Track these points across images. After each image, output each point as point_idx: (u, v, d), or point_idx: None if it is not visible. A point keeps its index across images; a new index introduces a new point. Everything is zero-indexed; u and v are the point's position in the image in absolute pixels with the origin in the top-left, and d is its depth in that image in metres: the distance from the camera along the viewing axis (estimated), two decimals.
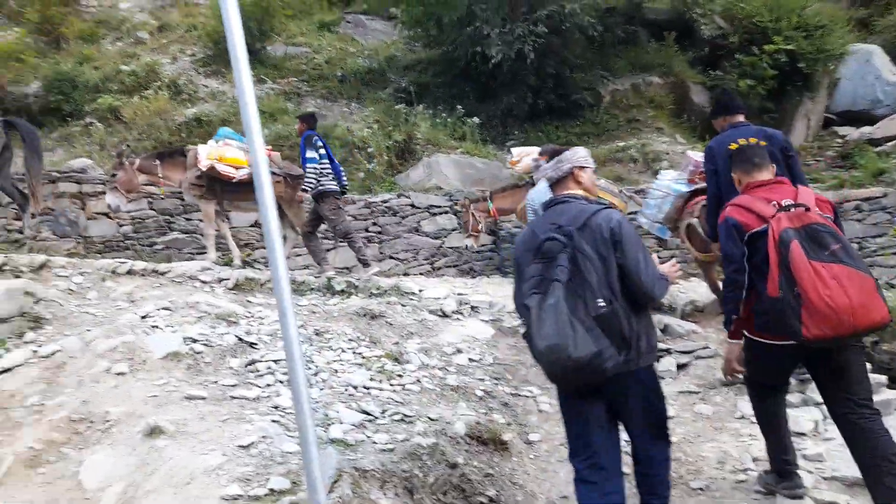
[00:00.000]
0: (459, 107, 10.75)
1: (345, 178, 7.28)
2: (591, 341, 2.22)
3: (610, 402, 2.50)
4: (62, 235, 8.30)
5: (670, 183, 5.49)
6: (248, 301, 5.71)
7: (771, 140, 3.87)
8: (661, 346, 4.33)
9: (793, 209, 2.61)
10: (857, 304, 2.39)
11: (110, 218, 8.40)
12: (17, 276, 5.28)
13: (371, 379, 4.07)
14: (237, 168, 6.69)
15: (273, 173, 6.92)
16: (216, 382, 3.75)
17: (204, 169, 6.64)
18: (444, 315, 5.72)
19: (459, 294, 6.24)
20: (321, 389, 3.85)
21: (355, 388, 3.91)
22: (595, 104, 11.73)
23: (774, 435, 2.99)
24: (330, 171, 6.85)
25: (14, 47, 11.66)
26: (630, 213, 7.44)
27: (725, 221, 2.82)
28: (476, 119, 10.63)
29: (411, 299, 6.02)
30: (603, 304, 2.28)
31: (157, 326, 4.43)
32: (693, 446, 3.68)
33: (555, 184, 2.70)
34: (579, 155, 2.70)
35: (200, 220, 8.73)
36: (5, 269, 5.43)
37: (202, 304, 5.08)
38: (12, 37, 13.96)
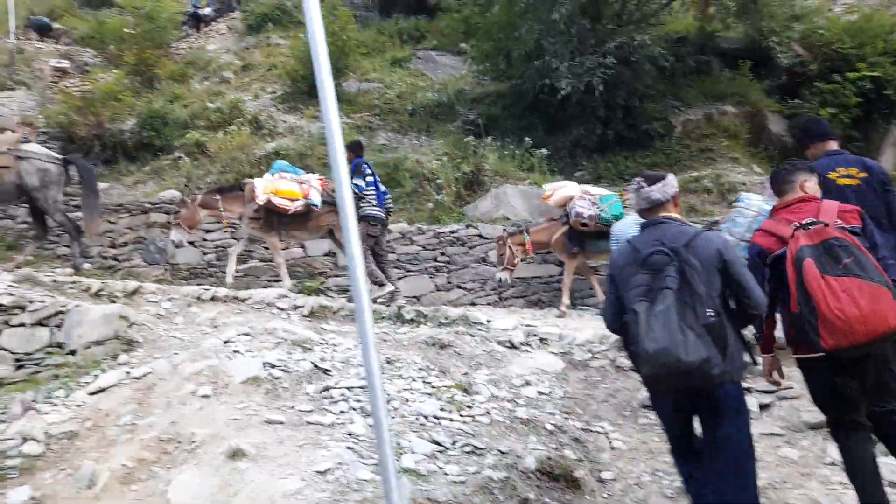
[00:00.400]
0: (528, 138, 10.80)
1: (390, 203, 7.62)
2: (701, 347, 2.38)
3: (697, 410, 2.70)
4: (152, 263, 8.85)
5: (762, 203, 5.35)
6: (322, 328, 5.89)
7: (870, 171, 3.75)
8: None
9: (811, 227, 2.76)
10: (867, 313, 2.52)
11: (195, 246, 8.90)
12: (113, 301, 5.66)
13: (441, 409, 4.10)
14: (292, 200, 7.05)
15: (327, 202, 7.25)
16: (293, 407, 3.87)
17: (261, 202, 6.99)
18: (513, 346, 5.71)
19: (528, 325, 6.22)
20: (393, 418, 3.91)
21: (426, 417, 3.95)
22: (666, 134, 11.53)
23: (859, 482, 2.85)
24: (374, 196, 7.11)
25: (113, 88, 12.60)
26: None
27: (751, 247, 3.04)
28: (544, 150, 10.65)
29: (479, 329, 6.04)
30: (712, 313, 2.46)
31: (238, 351, 4.63)
32: (779, 492, 3.50)
33: (656, 206, 2.84)
34: (676, 181, 2.94)
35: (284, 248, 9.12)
36: (102, 294, 5.84)
37: (279, 331, 5.27)
38: (112, 78, 15.15)
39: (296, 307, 6.28)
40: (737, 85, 12.25)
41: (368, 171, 7.16)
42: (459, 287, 8.64)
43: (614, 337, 5.59)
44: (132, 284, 6.04)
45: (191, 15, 18.99)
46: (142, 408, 3.79)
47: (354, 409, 3.93)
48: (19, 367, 4.62)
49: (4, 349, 4.66)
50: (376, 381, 1.91)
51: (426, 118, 12.91)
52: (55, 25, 21.50)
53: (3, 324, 4.71)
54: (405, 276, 8.67)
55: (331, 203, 7.15)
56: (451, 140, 11.64)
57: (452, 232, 8.84)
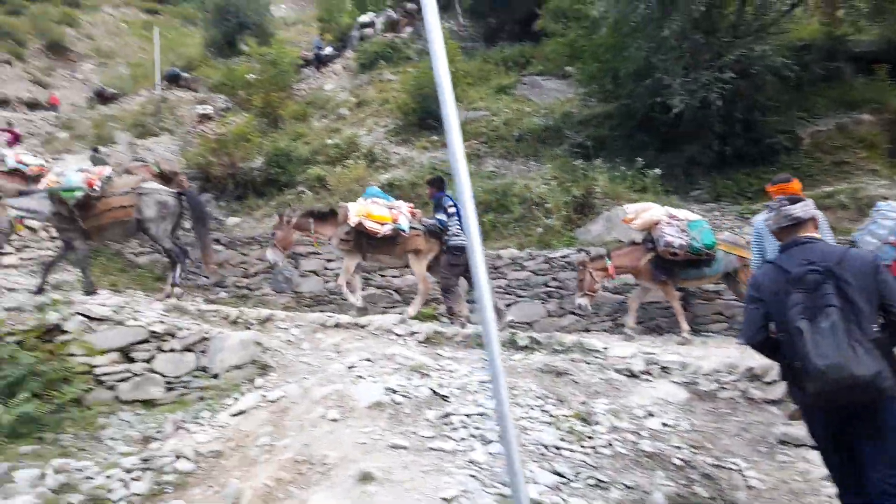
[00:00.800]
0: (639, 158, 10.53)
1: None
2: (872, 361, 2.43)
3: (857, 428, 2.63)
4: (279, 291, 9.48)
5: None
6: (438, 354, 6.00)
7: None
8: None
9: None
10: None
11: (318, 275, 9.43)
12: (248, 328, 6.13)
13: (561, 439, 4.05)
14: (382, 224, 7.28)
15: (414, 228, 7.43)
16: (415, 433, 3.98)
17: (353, 225, 7.27)
18: (632, 375, 5.53)
19: (647, 353, 5.99)
20: None
21: (546, 447, 3.91)
22: (793, 148, 10.78)
23: None
24: (459, 228, 7.17)
25: (243, 130, 13.75)
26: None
27: None
28: (657, 170, 10.32)
29: (596, 357, 5.91)
30: (876, 328, 2.54)
31: (361, 376, 4.84)
32: None
33: (795, 225, 2.86)
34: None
35: (394, 277, 9.46)
36: (239, 321, 6.33)
37: (398, 357, 5.44)
38: (242, 121, 16.54)
39: (412, 333, 6.46)
40: (873, 91, 11.29)
41: (450, 203, 7.35)
42: (572, 313, 8.49)
43: (744, 366, 5.30)
44: (265, 312, 6.50)
45: (315, 56, 20.37)
46: (277, 430, 4.05)
47: (474, 437, 3.96)
48: (170, 389, 5.09)
49: (157, 373, 5.16)
50: (506, 411, 1.94)
51: (533, 143, 12.95)
52: (186, 75, 23.95)
53: (156, 349, 5.22)
54: (516, 302, 8.68)
55: (418, 229, 7.47)
56: (559, 164, 11.59)
57: (563, 256, 8.74)
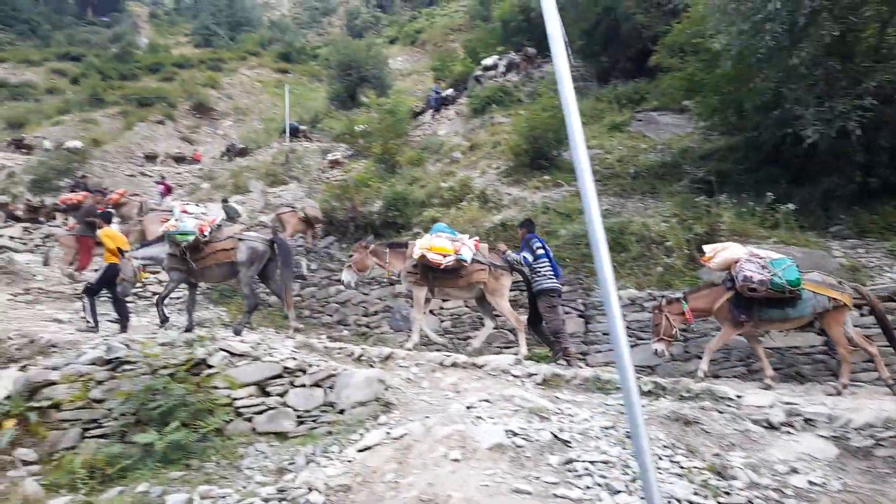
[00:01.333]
0: (769, 193, 9.91)
1: (560, 275, 7.98)
2: None
3: None
4: (397, 329, 9.75)
5: None
6: (556, 397, 5.89)
7: None
8: None
9: None
10: None
11: (433, 314, 9.62)
12: (371, 366, 6.35)
13: (695, 493, 3.81)
14: (444, 255, 7.46)
15: (477, 261, 7.60)
16: (538, 478, 3.91)
17: (416, 257, 7.56)
18: (771, 427, 5.11)
19: (787, 403, 5.53)
20: (641, 498, 3.73)
21: (678, 501, 3.69)
22: None
23: None
24: (549, 269, 7.44)
25: (364, 176, 14.54)
26: None
27: None
28: (790, 205, 9.65)
29: (728, 405, 5.53)
30: None
31: (480, 417, 4.84)
32: None
33: None
34: None
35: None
36: (362, 359, 6.59)
37: (516, 398, 5.40)
38: (362, 167, 17.49)
39: (529, 375, 6.39)
40: None
41: (538, 243, 7.52)
42: (699, 357, 8.03)
43: None
44: (385, 350, 6.72)
45: (434, 99, 21.30)
46: (402, 467, 4.13)
47: (600, 486, 3.83)
48: (301, 423, 5.37)
49: (290, 406, 5.46)
50: (648, 462, 1.87)
51: (650, 180, 12.60)
52: (303, 127, 25.94)
53: (289, 384, 5.55)
54: (637, 345, 8.35)
55: (483, 263, 7.68)
56: (679, 200, 11.17)
57: None
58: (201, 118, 37.60)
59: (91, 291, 8.07)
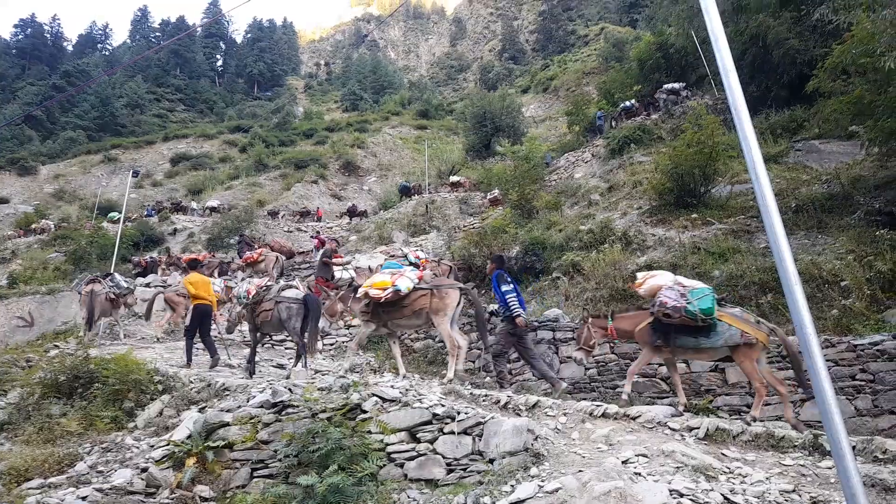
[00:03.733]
0: None
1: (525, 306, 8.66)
2: None
3: None
4: (539, 377, 9.52)
5: None
6: (723, 454, 5.38)
7: None
8: None
9: None
10: None
11: (577, 363, 9.29)
12: (518, 414, 6.22)
13: None
14: (383, 290, 7.85)
15: (419, 288, 7.90)
16: None
17: (360, 295, 8.32)
18: None
19: None
20: None
21: None
22: None
23: None
24: (514, 301, 8.10)
25: (502, 222, 14.69)
26: None
27: None
28: None
29: None
30: None
31: (639, 474, 4.53)
32: None
33: None
34: None
35: (660, 365, 8.90)
36: (508, 406, 6.48)
37: (677, 454, 5.00)
38: (499, 214, 17.70)
39: (690, 429, 5.91)
40: None
41: (509, 279, 8.31)
42: (892, 412, 6.99)
43: None
44: (532, 399, 6.56)
45: (602, 119, 21.23)
46: None
47: None
48: (450, 471, 5.34)
49: (439, 454, 5.47)
50: None
51: (816, 214, 11.46)
52: (412, 186, 27.21)
53: (438, 431, 5.57)
54: (813, 397, 7.44)
55: (423, 289, 7.91)
56: (853, 235, 10.03)
57: (874, 344, 7.34)
58: (349, 176, 40.45)
59: (189, 332, 9.89)
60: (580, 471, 4.67)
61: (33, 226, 31.73)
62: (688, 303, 6.80)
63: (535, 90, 49.11)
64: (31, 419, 7.41)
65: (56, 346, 11.30)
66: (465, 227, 19.41)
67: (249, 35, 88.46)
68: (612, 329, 7.56)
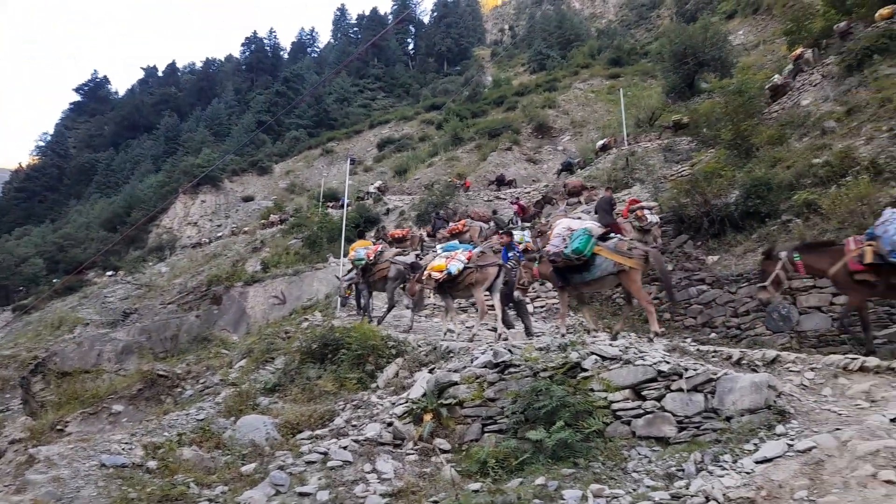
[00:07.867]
0: None
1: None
2: None
3: None
4: (776, 331, 8.67)
5: None
6: None
7: None
8: None
9: None
10: None
11: (822, 312, 8.27)
12: (754, 370, 5.75)
13: None
14: (440, 272, 9.20)
15: (468, 268, 9.03)
16: None
17: (424, 277, 9.57)
18: None
19: None
20: None
21: None
22: None
23: None
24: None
25: (714, 166, 13.42)
26: None
27: None
28: None
29: None
30: None
31: None
32: None
33: None
34: None
35: None
36: (742, 362, 6.01)
37: None
38: (709, 157, 16.23)
39: None
40: None
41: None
42: None
43: None
44: (770, 353, 6.00)
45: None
46: (815, 484, 3.59)
47: None
48: (682, 429, 5.12)
49: (667, 411, 5.27)
50: None
51: None
52: (575, 161, 25.94)
53: (664, 388, 5.36)
54: None
55: (470, 267, 9.03)
56: None
57: None
58: (542, 138, 40.11)
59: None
60: (837, 429, 4.19)
61: (270, 218, 37.28)
62: (565, 246, 7.65)
63: (743, 13, 43.68)
64: (294, 381, 8.66)
65: (306, 318, 13.02)
66: (671, 176, 18.14)
67: (435, 13, 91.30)
68: (536, 270, 8.49)
